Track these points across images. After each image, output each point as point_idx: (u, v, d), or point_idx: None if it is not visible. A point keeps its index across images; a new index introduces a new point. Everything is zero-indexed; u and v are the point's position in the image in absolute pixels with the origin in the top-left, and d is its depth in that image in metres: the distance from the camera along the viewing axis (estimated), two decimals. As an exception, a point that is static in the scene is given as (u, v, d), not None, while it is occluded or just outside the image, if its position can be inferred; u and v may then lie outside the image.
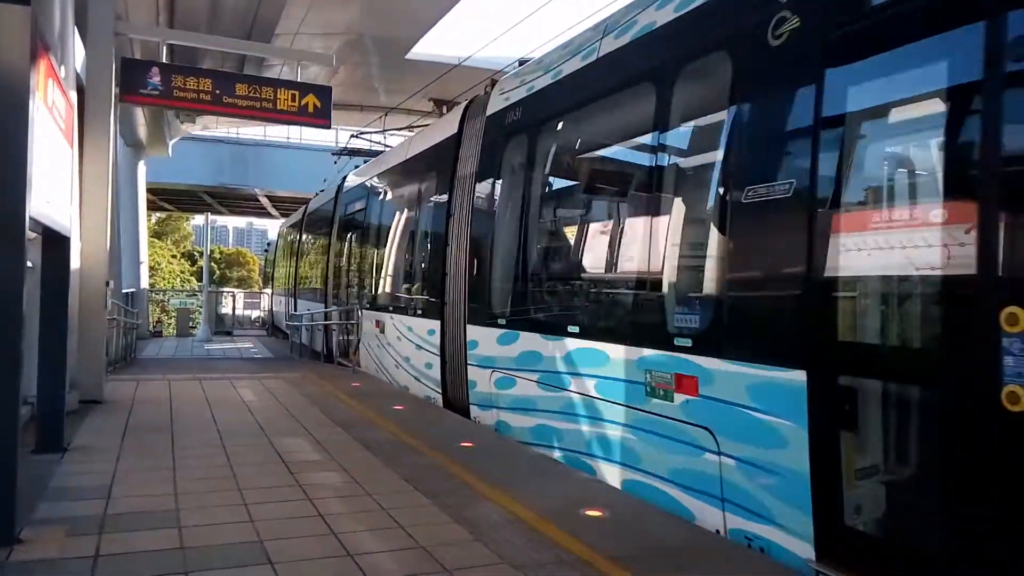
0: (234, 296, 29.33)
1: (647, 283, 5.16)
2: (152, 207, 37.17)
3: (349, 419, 7.38)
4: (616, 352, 5.20)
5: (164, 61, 9.81)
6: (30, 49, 3.84)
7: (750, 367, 3.97)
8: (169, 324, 23.72)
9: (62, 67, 6.29)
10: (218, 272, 55.41)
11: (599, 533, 4.04)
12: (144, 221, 26.75)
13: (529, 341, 6.47)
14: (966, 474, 3.01)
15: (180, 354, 17.11)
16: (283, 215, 42.07)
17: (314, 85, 10.32)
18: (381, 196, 12.51)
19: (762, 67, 4.15)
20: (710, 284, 4.44)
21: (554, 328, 6.14)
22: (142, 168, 24.62)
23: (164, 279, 38.15)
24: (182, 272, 44.50)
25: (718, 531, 4.18)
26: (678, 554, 3.82)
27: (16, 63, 3.81)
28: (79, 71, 7.96)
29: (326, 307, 15.09)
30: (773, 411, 3.81)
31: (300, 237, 21.40)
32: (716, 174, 4.56)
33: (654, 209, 5.17)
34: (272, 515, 4.25)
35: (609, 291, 6.09)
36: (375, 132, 16.52)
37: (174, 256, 47.72)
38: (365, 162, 15.17)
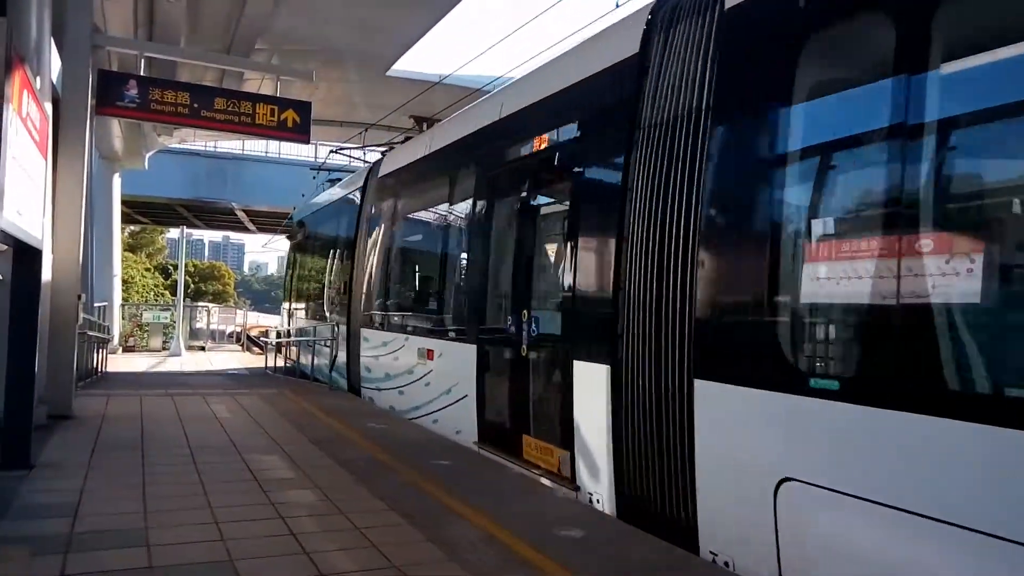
0: (208, 311, 29.00)
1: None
2: (127, 220, 36.75)
3: (324, 436, 7.32)
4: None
5: (142, 74, 9.75)
6: (4, 59, 3.81)
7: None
8: (143, 338, 23.37)
9: (37, 78, 6.23)
10: (193, 286, 54.79)
11: (575, 553, 4.03)
12: (118, 234, 26.42)
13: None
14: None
15: (153, 369, 16.88)
16: (260, 230, 41.78)
17: (293, 100, 10.28)
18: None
19: None
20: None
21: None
22: (117, 180, 24.36)
23: (138, 293, 37.57)
24: (156, 286, 43.87)
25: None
26: (650, 573, 3.82)
27: (-10, 74, 3.78)
28: (55, 82, 7.88)
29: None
30: None
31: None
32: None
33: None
34: (243, 534, 4.19)
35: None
36: (355, 148, 16.47)
37: (148, 269, 47.02)
38: (335, 180, 15.65)
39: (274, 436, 7.28)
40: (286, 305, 18.65)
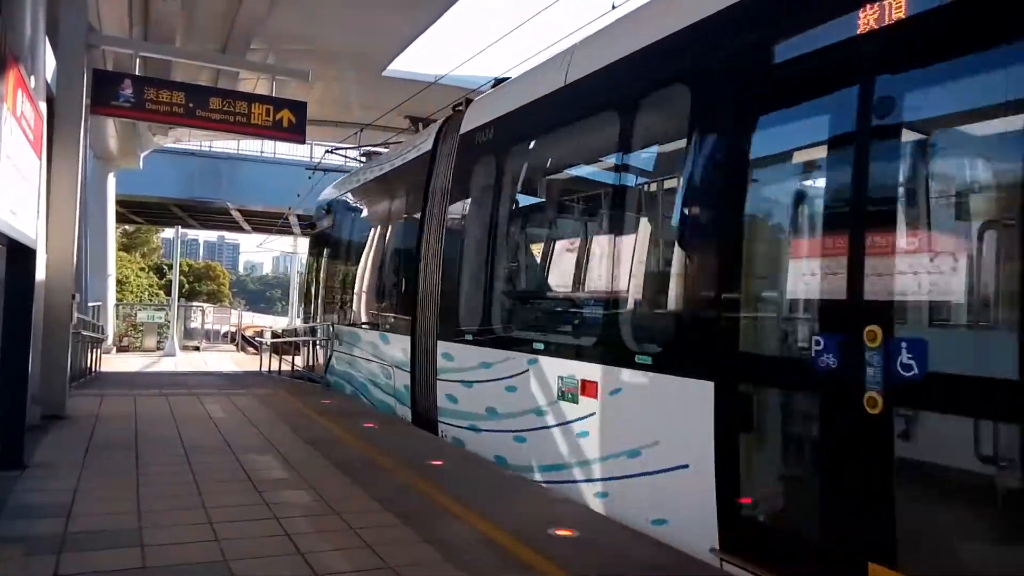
0: (203, 311, 28.97)
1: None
2: (121, 219, 36.68)
3: (318, 437, 7.30)
4: None
5: (137, 73, 9.73)
6: (-1, 58, 3.80)
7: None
8: (137, 338, 23.34)
9: (32, 77, 6.21)
10: (187, 286, 54.76)
11: (569, 552, 4.03)
12: (112, 234, 26.38)
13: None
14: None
15: (147, 369, 16.84)
16: (255, 230, 41.69)
17: (289, 100, 10.27)
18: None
19: None
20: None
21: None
22: (111, 180, 24.33)
23: (132, 292, 37.55)
24: (151, 286, 43.87)
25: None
26: (647, 572, 3.82)
27: (-16, 72, 3.77)
28: (49, 82, 7.86)
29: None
30: None
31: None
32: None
33: None
34: (238, 534, 4.18)
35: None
36: (350, 148, 16.47)
37: (142, 269, 47.04)
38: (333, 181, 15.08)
39: (269, 436, 7.26)
40: (309, 309, 16.11)
